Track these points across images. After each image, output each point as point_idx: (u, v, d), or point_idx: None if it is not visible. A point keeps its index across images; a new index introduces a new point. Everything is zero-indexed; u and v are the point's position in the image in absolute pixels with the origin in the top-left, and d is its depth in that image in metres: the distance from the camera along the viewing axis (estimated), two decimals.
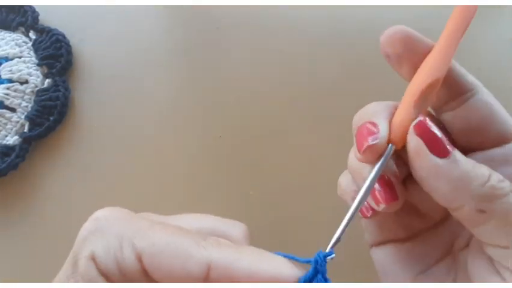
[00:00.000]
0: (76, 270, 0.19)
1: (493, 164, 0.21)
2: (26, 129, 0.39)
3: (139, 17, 0.45)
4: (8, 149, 0.38)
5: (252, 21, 0.44)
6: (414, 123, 0.20)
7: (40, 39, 0.42)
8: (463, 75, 0.23)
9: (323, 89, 0.41)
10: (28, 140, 0.38)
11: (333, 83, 0.41)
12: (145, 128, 0.40)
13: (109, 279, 0.19)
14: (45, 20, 0.44)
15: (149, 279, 0.19)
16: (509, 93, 0.41)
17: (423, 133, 0.20)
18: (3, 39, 0.42)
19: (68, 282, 0.19)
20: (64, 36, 0.42)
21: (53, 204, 0.38)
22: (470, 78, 0.23)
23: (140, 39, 0.44)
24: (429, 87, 0.21)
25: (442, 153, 0.19)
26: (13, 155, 0.38)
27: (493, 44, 0.43)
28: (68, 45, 0.42)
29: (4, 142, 0.38)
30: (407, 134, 0.20)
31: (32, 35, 0.43)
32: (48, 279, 0.24)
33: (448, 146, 0.19)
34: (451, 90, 0.22)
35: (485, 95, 0.23)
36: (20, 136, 0.38)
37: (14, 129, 0.39)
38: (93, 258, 0.19)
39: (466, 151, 0.22)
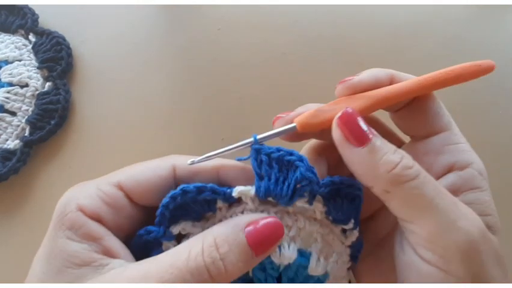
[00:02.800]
0: (63, 229, 0.21)
1: (426, 151, 0.26)
2: (26, 133, 0.38)
3: (138, 18, 0.44)
4: (8, 153, 0.38)
5: (252, 21, 0.44)
6: (338, 114, 0.24)
7: (40, 41, 0.42)
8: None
9: (323, 89, 0.41)
10: (29, 143, 0.38)
11: (333, 83, 0.41)
12: (146, 130, 0.40)
13: (101, 219, 0.22)
14: (45, 22, 0.44)
15: (135, 204, 0.24)
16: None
17: (345, 124, 0.23)
18: (2, 42, 0.42)
19: (56, 239, 0.21)
20: (64, 39, 0.42)
21: (55, 208, 0.37)
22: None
23: (141, 40, 0.43)
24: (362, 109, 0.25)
25: (360, 142, 0.23)
26: (14, 159, 0.37)
27: (495, 44, 0.42)
28: (68, 47, 0.42)
29: (5, 146, 0.38)
30: (314, 126, 0.25)
31: (31, 37, 0.42)
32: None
33: (367, 135, 0.23)
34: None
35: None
36: (21, 140, 0.38)
37: (15, 133, 0.38)
38: (80, 209, 0.22)
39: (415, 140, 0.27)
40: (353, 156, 0.23)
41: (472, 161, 0.25)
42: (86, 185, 0.23)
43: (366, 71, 0.27)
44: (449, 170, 0.25)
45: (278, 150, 0.24)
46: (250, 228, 0.22)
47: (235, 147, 0.24)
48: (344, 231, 0.26)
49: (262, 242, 0.22)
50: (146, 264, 0.21)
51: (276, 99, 0.40)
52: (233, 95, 0.40)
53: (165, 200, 0.23)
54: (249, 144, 0.24)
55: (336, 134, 0.23)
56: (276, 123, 0.27)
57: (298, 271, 0.24)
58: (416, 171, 0.22)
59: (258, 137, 0.24)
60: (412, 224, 0.22)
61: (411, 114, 0.27)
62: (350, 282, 0.28)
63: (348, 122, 0.23)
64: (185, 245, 0.22)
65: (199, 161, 0.24)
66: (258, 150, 0.24)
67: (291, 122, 0.26)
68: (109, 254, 0.22)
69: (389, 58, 0.42)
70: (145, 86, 0.41)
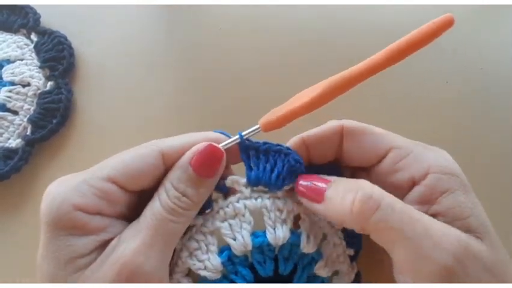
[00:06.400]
0: (64, 229, 0.23)
1: (382, 176, 0.26)
2: (28, 132, 0.39)
3: (140, 18, 0.44)
4: (10, 152, 0.38)
5: (252, 21, 0.44)
6: (298, 183, 0.27)
7: (42, 41, 0.42)
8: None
9: None
10: (31, 142, 0.38)
11: None
12: (147, 129, 0.40)
13: (102, 212, 0.24)
14: (47, 21, 0.44)
15: (129, 192, 0.25)
16: (511, 93, 0.41)
17: (302, 189, 0.26)
18: (4, 41, 0.42)
19: (59, 237, 0.23)
20: (66, 38, 0.42)
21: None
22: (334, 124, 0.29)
23: (142, 40, 0.43)
24: (320, 98, 0.27)
25: (318, 199, 0.25)
26: (16, 158, 0.37)
27: (495, 44, 0.43)
28: (70, 47, 0.42)
29: (7, 145, 0.38)
30: (275, 125, 0.27)
31: (33, 37, 0.42)
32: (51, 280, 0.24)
33: (320, 191, 0.25)
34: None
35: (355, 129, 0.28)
36: (23, 139, 0.38)
37: (17, 132, 0.39)
38: (78, 209, 0.23)
39: (363, 169, 0.28)
40: (320, 212, 0.26)
41: (428, 165, 0.25)
42: (73, 182, 0.24)
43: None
44: (413, 183, 0.26)
45: (265, 143, 0.27)
46: (194, 161, 0.25)
47: (222, 146, 0.27)
48: None
49: (207, 166, 0.25)
50: (136, 224, 0.24)
51: (277, 98, 0.40)
52: (234, 95, 0.40)
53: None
54: (237, 141, 0.27)
55: (301, 199, 0.27)
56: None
57: (292, 250, 0.27)
58: (376, 201, 0.22)
59: (243, 133, 0.27)
60: (390, 252, 0.23)
61: (352, 151, 0.28)
62: (359, 273, 0.29)
63: (302, 187, 0.26)
64: (155, 195, 0.25)
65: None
66: (245, 145, 0.27)
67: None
68: (113, 237, 0.24)
69: None
70: (146, 85, 0.41)
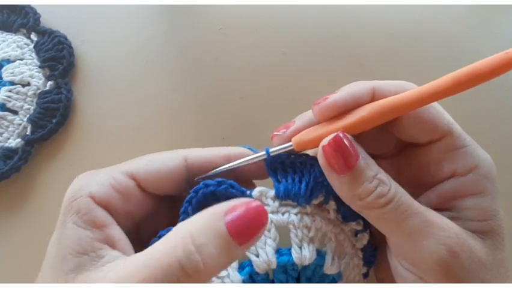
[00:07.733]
0: (71, 213, 0.22)
1: (428, 158, 0.25)
2: (28, 131, 0.39)
3: (140, 18, 0.44)
4: (10, 152, 0.38)
5: (253, 21, 0.44)
6: (324, 142, 0.23)
7: (42, 41, 0.42)
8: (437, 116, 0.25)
9: (324, 90, 0.41)
10: (31, 142, 0.38)
11: (334, 83, 0.41)
12: (147, 129, 0.40)
13: (110, 206, 0.23)
14: (46, 21, 0.44)
15: (146, 193, 0.24)
16: (510, 93, 0.41)
17: (328, 152, 0.23)
18: (4, 41, 0.42)
19: (65, 224, 0.22)
20: (66, 38, 0.42)
21: (56, 207, 0.37)
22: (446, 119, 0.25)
23: (142, 39, 0.43)
24: (361, 123, 0.23)
25: (341, 172, 0.22)
26: (16, 158, 0.37)
27: (493, 44, 0.43)
28: (70, 47, 0.42)
29: (6, 145, 0.38)
30: (309, 145, 0.24)
31: (33, 36, 0.42)
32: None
33: (349, 165, 0.22)
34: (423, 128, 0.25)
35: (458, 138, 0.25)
36: (23, 139, 0.38)
37: (17, 131, 0.39)
38: (91, 196, 0.22)
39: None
40: (333, 182, 0.23)
41: (475, 164, 0.24)
42: (99, 173, 0.24)
43: (345, 87, 0.26)
44: (452, 176, 0.25)
45: (289, 156, 0.26)
46: (231, 215, 0.19)
47: (247, 161, 0.25)
48: (355, 233, 0.27)
49: (245, 229, 0.19)
50: (133, 261, 0.19)
51: (277, 98, 0.40)
52: (234, 95, 0.40)
53: (188, 196, 0.24)
54: (263, 158, 0.25)
55: (321, 159, 0.23)
56: (274, 140, 0.26)
57: (315, 270, 0.25)
58: (388, 198, 0.22)
59: (270, 150, 0.25)
60: (387, 237, 0.24)
61: (408, 122, 0.25)
62: None
63: (329, 152, 0.23)
64: (162, 239, 0.20)
65: (206, 177, 0.25)
66: (271, 160, 0.26)
67: (288, 140, 0.26)
68: (110, 243, 0.22)
69: (389, 58, 0.42)
70: (146, 85, 0.41)
